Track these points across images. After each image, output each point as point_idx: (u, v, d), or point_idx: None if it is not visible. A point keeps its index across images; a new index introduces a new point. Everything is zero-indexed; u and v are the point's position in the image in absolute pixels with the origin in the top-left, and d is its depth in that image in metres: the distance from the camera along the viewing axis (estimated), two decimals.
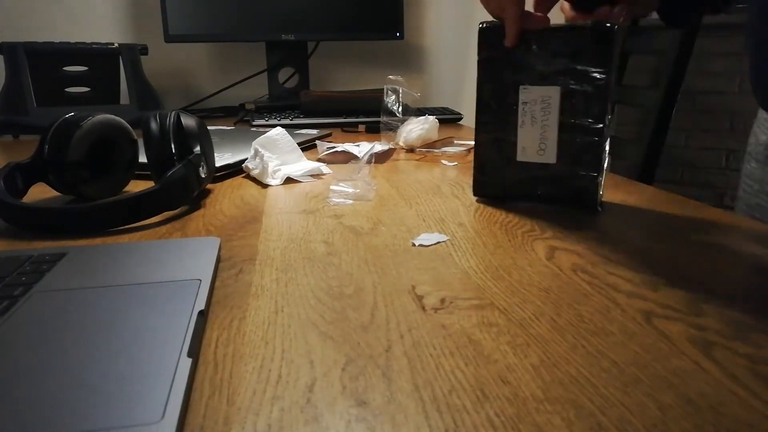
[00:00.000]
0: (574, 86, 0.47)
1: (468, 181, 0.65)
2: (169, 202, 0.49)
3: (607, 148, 0.51)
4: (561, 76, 0.48)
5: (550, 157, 0.50)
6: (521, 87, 0.49)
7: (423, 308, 0.32)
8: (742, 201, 0.67)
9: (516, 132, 0.51)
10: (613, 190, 0.61)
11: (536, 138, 0.50)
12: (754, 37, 0.58)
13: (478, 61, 0.52)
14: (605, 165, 0.51)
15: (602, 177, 0.50)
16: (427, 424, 0.22)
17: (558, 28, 0.48)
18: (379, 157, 0.77)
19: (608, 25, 0.46)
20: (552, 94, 0.48)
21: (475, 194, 0.56)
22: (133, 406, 0.21)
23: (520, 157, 0.51)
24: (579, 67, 0.47)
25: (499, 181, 0.53)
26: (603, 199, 0.53)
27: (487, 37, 0.51)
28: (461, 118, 1.30)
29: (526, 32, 0.49)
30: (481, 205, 0.54)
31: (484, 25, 0.51)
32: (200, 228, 0.47)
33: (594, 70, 0.47)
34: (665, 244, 0.43)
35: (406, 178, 0.67)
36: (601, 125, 0.48)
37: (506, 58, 0.50)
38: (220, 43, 1.46)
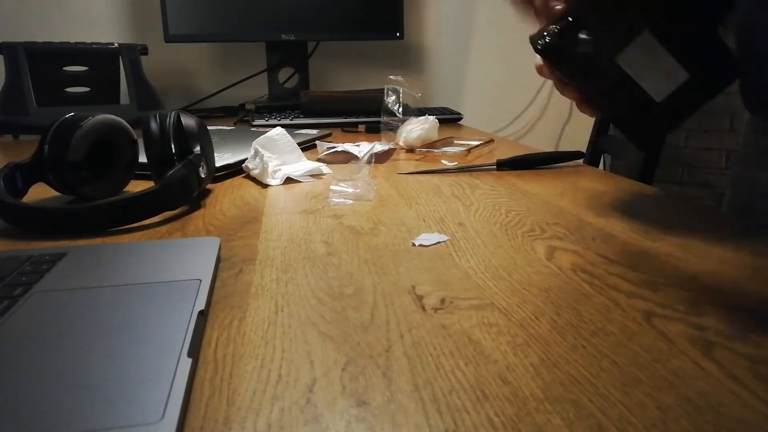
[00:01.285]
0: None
1: (468, 181, 0.65)
2: (169, 202, 0.49)
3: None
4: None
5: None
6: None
7: (423, 308, 0.32)
8: (733, 203, 0.67)
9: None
10: (612, 191, 0.61)
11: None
12: (739, 46, 0.59)
13: None
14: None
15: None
16: (427, 424, 0.22)
17: None
18: (379, 157, 0.77)
19: None
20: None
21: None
22: (133, 406, 0.21)
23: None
24: None
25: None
26: None
27: None
28: (461, 118, 1.30)
29: None
30: (481, 205, 0.54)
31: None
32: (200, 228, 0.47)
33: None
34: (665, 244, 0.43)
35: (406, 178, 0.67)
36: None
37: None
38: (220, 43, 1.46)
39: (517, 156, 0.73)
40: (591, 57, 0.49)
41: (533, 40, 0.49)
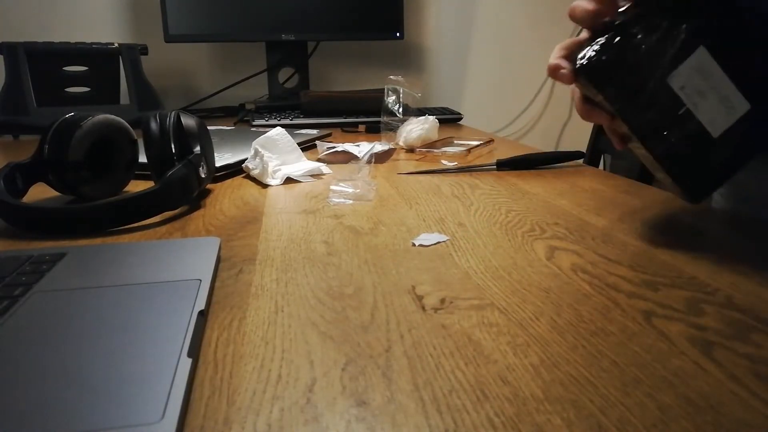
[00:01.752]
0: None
1: (468, 181, 0.65)
2: (169, 202, 0.49)
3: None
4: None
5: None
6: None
7: (423, 308, 0.32)
8: (717, 205, 0.67)
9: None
10: (612, 191, 0.61)
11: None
12: None
13: None
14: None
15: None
16: (427, 424, 0.22)
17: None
18: (379, 157, 0.77)
19: None
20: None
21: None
22: (133, 406, 0.21)
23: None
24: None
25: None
26: None
27: None
28: (461, 118, 1.30)
29: None
30: (481, 205, 0.54)
31: None
32: (200, 228, 0.47)
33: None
34: (665, 244, 0.43)
35: (406, 178, 0.67)
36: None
37: None
38: (220, 43, 1.46)
39: (517, 156, 0.73)
40: (639, 76, 0.42)
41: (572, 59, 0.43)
